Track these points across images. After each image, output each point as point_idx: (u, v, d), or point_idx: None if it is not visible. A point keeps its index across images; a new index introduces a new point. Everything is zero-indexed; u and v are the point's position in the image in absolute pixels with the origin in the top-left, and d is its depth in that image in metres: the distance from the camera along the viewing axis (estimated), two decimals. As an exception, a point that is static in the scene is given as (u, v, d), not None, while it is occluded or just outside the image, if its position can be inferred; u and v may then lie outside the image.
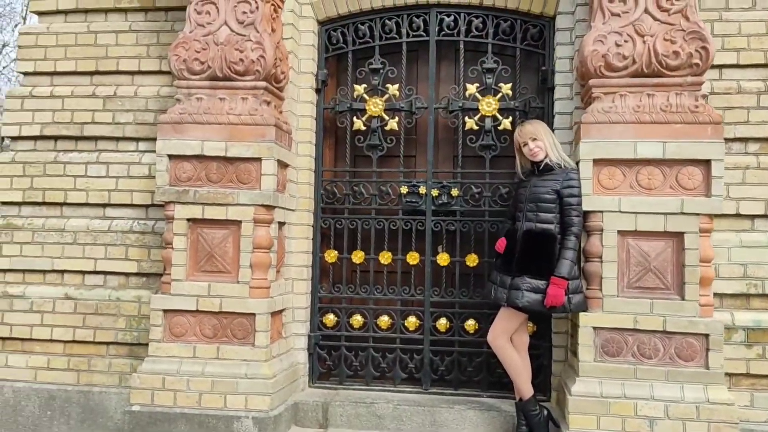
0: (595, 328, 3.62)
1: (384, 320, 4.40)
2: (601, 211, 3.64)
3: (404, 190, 4.41)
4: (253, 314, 3.88)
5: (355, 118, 4.52)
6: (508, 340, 3.73)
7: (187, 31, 4.01)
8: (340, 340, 4.46)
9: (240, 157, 3.93)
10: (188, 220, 3.96)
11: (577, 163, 3.73)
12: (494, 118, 4.35)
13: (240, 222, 3.92)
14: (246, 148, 3.92)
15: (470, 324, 4.31)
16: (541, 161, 3.72)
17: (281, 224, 4.18)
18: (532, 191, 3.70)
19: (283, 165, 4.10)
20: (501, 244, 3.82)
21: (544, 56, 4.38)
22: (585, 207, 3.64)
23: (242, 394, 3.81)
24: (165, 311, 3.95)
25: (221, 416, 3.79)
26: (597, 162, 3.67)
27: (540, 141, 3.71)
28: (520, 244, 3.67)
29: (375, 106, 4.44)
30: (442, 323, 4.35)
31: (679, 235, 3.59)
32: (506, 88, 4.38)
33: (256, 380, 3.81)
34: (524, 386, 3.74)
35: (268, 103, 4.05)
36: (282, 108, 4.24)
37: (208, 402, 3.82)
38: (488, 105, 4.32)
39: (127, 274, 4.40)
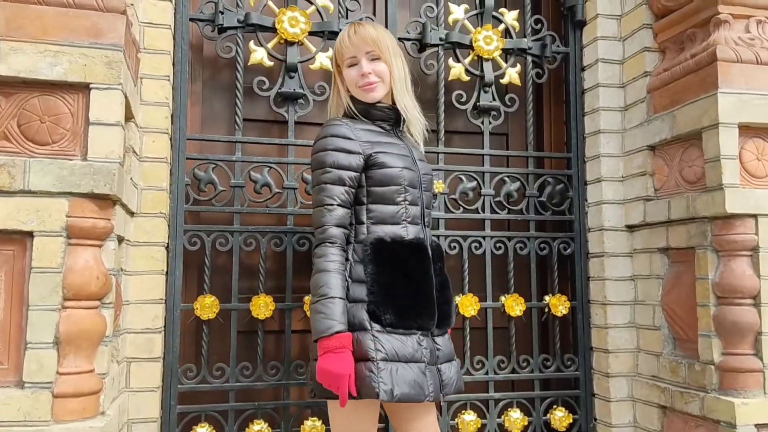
0: (758, 427, 2.01)
1: (311, 427, 2.31)
2: (755, 215, 2.07)
3: (349, 180, 2.40)
4: (66, 465, 1.57)
5: (253, 45, 2.40)
6: None
7: None
8: (228, 475, 2.25)
9: (36, 81, 1.62)
10: None
11: (703, 130, 2.14)
12: (495, 64, 2.59)
13: (29, 235, 1.60)
14: (52, 60, 1.62)
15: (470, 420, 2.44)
16: (382, 103, 1.85)
17: (120, 242, 1.91)
18: (424, 169, 1.86)
19: (127, 114, 1.86)
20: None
21: (565, -27, 2.74)
22: (729, 208, 2.04)
23: None
24: None
25: None
26: (743, 130, 2.11)
27: (385, 63, 1.82)
28: (437, 272, 1.80)
29: (293, 24, 2.38)
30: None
31: None
32: (511, 18, 2.65)
33: None
34: None
35: (99, -29, 1.81)
36: None
37: None
38: (488, 41, 2.54)
39: None
